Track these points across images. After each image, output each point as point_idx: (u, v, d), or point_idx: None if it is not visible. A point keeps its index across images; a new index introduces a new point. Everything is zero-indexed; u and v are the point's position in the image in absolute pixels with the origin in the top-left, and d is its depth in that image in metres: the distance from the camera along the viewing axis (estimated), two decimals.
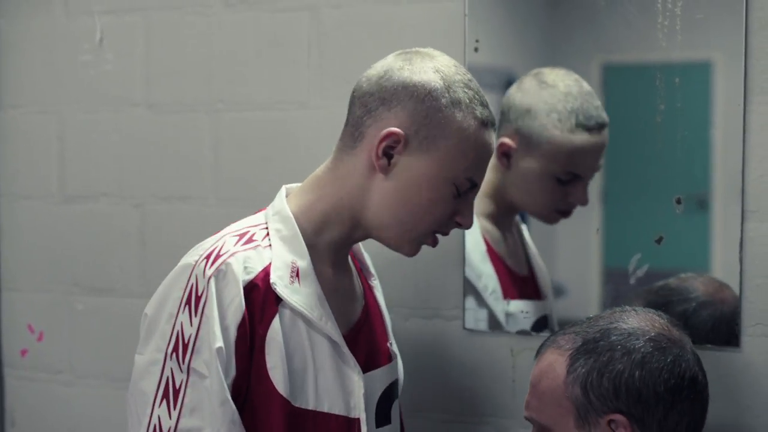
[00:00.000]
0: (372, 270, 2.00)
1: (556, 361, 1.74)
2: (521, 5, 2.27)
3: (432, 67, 1.74)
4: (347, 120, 1.80)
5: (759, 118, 2.07)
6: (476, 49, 2.25)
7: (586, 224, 2.25)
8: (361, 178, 1.75)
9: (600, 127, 2.16)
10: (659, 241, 2.15)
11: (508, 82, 2.26)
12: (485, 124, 1.76)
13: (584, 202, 2.19)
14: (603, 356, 1.69)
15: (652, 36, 2.13)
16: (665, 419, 1.68)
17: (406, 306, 2.32)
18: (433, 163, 1.74)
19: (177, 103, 2.56)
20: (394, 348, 1.97)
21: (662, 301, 2.10)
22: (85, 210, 2.67)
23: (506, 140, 2.20)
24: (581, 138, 2.16)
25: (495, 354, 2.29)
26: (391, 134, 1.71)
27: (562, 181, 2.19)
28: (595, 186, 2.23)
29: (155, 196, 2.59)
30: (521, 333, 2.26)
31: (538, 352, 1.81)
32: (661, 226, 2.15)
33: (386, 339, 1.96)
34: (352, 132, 1.76)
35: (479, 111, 1.75)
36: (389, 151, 1.73)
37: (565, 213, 2.22)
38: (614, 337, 1.70)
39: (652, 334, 1.71)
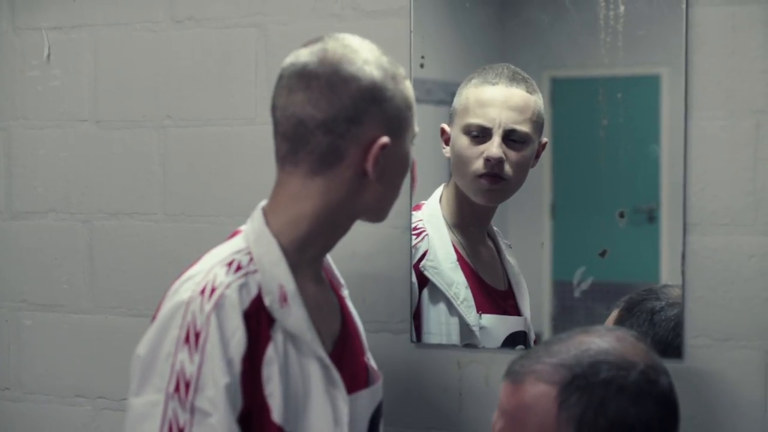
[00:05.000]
0: (341, 279, 1.96)
1: (543, 395, 1.66)
2: (467, 23, 2.29)
3: (361, 61, 1.71)
4: (294, 148, 1.72)
5: (699, 132, 2.10)
6: (422, 65, 2.28)
7: (535, 238, 2.27)
8: (348, 189, 1.72)
9: (507, 82, 2.24)
10: (603, 254, 2.18)
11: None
12: (406, 77, 1.78)
13: (493, 153, 2.21)
14: (596, 393, 1.63)
15: (595, 52, 2.16)
16: None
17: None
18: (403, 140, 1.76)
19: (125, 119, 2.56)
20: (372, 363, 1.94)
21: (638, 299, 2.15)
22: (33, 226, 2.66)
23: (443, 125, 2.30)
24: (484, 90, 2.24)
25: (442, 367, 2.31)
26: (384, 146, 1.70)
27: (474, 137, 2.23)
28: (544, 200, 2.26)
29: (103, 212, 2.59)
30: (468, 346, 2.27)
31: (513, 375, 1.71)
32: (606, 240, 2.18)
33: (363, 353, 1.94)
34: (322, 158, 1.70)
35: (401, 70, 1.77)
36: (380, 157, 1.71)
37: (487, 177, 2.23)
38: (605, 373, 1.64)
39: (642, 366, 1.65)
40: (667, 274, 2.18)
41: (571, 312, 2.23)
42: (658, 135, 2.16)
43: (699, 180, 2.11)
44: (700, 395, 2.11)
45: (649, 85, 2.20)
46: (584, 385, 1.64)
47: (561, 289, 2.26)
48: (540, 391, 1.65)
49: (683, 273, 2.12)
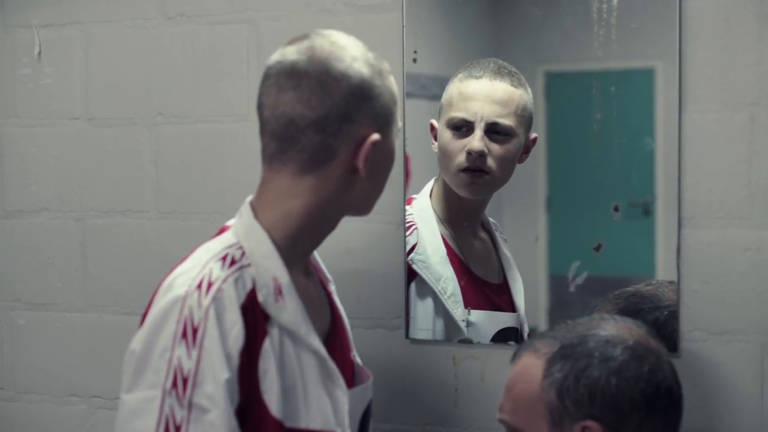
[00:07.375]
0: (329, 275, 1.97)
1: (533, 365, 1.72)
2: (460, 17, 2.28)
3: (350, 58, 1.70)
4: (284, 147, 1.70)
5: (693, 126, 2.09)
6: (414, 60, 2.27)
7: (530, 232, 2.27)
8: (338, 186, 1.71)
9: (491, 75, 2.23)
10: (598, 248, 2.17)
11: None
12: (391, 71, 1.79)
13: (474, 146, 2.20)
14: (580, 362, 1.67)
15: (588, 45, 2.15)
16: (639, 428, 1.67)
17: (348, 316, 2.29)
18: (390, 134, 1.76)
19: (117, 117, 2.55)
20: (358, 360, 1.95)
21: (633, 309, 2.11)
22: (26, 224, 2.65)
23: (432, 121, 2.30)
24: (468, 84, 2.24)
25: (437, 363, 2.30)
26: (375, 142, 1.70)
27: (457, 129, 2.23)
28: (539, 194, 2.25)
29: (96, 210, 2.58)
30: (463, 342, 2.27)
31: (515, 356, 1.78)
32: (601, 234, 2.17)
33: (350, 350, 1.94)
34: (313, 157, 1.69)
35: (386, 65, 1.77)
36: (370, 154, 1.71)
37: (469, 170, 2.23)
38: (592, 344, 1.69)
39: (630, 342, 1.70)
40: (663, 268, 2.17)
41: (566, 306, 2.22)
42: (652, 129, 2.16)
43: (693, 173, 2.10)
44: (696, 389, 2.11)
45: (644, 78, 2.19)
46: (569, 353, 1.70)
47: (556, 283, 2.25)
48: (531, 362, 1.73)
49: (678, 267, 2.11)
